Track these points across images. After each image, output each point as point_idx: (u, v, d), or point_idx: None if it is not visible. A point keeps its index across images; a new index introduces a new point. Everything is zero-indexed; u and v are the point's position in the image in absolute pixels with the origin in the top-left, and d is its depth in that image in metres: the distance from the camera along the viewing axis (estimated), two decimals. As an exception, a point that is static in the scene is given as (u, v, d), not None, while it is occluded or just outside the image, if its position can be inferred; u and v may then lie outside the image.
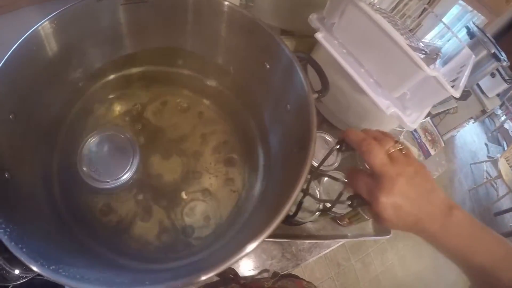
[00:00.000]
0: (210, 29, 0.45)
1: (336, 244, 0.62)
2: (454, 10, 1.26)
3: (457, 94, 0.52)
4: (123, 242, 0.43)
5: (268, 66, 0.44)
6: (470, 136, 2.80)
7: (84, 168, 0.43)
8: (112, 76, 0.48)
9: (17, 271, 0.60)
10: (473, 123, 1.96)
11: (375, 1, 0.73)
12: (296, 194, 0.32)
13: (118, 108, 0.50)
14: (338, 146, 0.36)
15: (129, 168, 0.44)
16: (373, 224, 0.65)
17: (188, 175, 0.48)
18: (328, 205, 0.51)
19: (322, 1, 0.63)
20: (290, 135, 0.41)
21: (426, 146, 0.82)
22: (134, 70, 0.49)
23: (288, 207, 0.30)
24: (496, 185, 2.52)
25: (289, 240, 0.57)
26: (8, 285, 0.57)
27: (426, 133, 0.84)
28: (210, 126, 0.52)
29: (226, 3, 0.42)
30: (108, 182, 0.43)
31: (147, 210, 0.45)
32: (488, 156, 2.66)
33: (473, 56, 0.64)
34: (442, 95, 0.54)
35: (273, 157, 0.45)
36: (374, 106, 0.57)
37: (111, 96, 0.50)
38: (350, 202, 0.34)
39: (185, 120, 0.51)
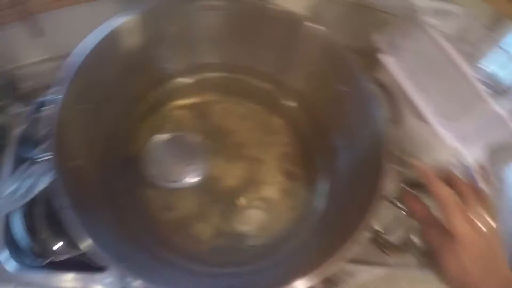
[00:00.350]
0: (289, 49, 0.46)
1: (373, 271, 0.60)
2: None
3: None
4: (178, 240, 0.44)
5: (344, 89, 0.43)
6: None
7: (150, 166, 0.45)
8: (186, 78, 0.50)
9: (58, 245, 0.63)
10: None
11: (438, 24, 0.71)
12: (365, 226, 0.31)
13: (187, 109, 0.51)
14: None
15: (197, 172, 0.45)
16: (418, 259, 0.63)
17: (248, 182, 0.49)
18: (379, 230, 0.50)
19: (388, 20, 0.62)
20: (360, 162, 0.40)
21: (477, 181, 0.78)
22: (211, 74, 0.50)
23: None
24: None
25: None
26: (48, 259, 0.60)
27: (481, 170, 0.81)
28: (275, 136, 0.52)
29: (311, 25, 0.42)
30: (174, 182, 0.44)
31: (205, 212, 0.46)
32: None
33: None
34: (506, 134, 0.52)
35: (338, 181, 0.45)
36: (432, 135, 0.56)
37: (182, 96, 0.51)
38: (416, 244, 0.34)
39: (252, 128, 0.52)
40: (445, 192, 0.34)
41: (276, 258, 0.42)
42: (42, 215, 0.65)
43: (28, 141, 0.70)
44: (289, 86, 0.51)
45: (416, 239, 0.55)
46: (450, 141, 0.55)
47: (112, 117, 0.45)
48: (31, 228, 0.62)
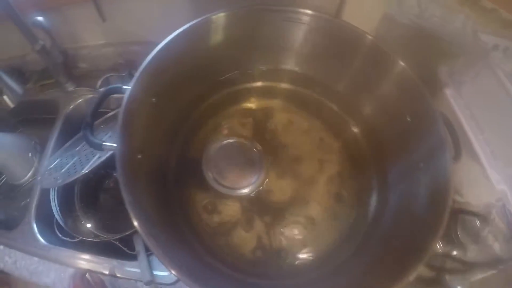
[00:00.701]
0: (366, 75, 0.45)
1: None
2: None
3: None
4: (220, 245, 0.44)
5: (409, 119, 0.42)
6: None
7: (209, 169, 0.45)
8: (256, 83, 0.50)
9: (89, 225, 0.64)
10: None
11: (504, 62, 0.68)
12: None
13: (250, 114, 0.51)
14: None
15: (253, 183, 0.45)
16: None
17: (296, 198, 0.48)
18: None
19: (453, 52, 0.61)
20: (416, 197, 0.39)
21: None
22: (281, 83, 0.50)
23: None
24: None
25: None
26: (77, 237, 0.62)
27: None
28: (331, 156, 0.51)
29: (393, 57, 0.41)
30: (227, 188, 0.44)
31: (249, 221, 0.46)
32: None
33: None
34: None
35: (385, 213, 0.44)
36: (481, 174, 0.54)
37: (246, 101, 0.51)
38: None
39: (310, 143, 0.52)
40: None
41: (313, 276, 0.42)
42: (78, 195, 0.67)
43: (78, 120, 0.72)
44: (356, 110, 0.50)
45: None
46: (499, 184, 0.53)
47: (174, 115, 0.45)
48: (66, 204, 0.64)
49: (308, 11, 0.41)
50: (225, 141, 0.46)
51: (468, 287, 0.57)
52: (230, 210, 0.46)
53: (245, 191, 0.44)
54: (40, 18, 0.56)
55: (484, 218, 0.66)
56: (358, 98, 0.48)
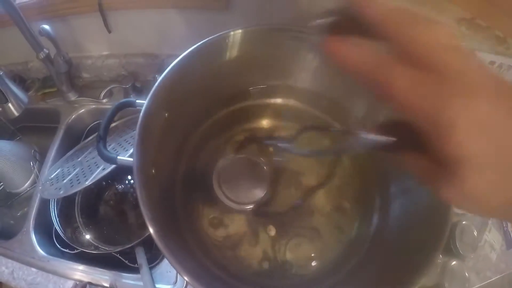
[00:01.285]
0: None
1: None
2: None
3: None
4: (226, 257, 0.44)
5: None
6: None
7: (219, 184, 0.46)
8: (263, 100, 0.51)
9: (89, 236, 0.63)
10: None
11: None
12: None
13: (256, 130, 0.52)
14: None
15: (258, 200, 0.45)
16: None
17: (300, 211, 0.49)
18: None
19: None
20: (417, 211, 0.41)
21: (511, 235, 0.78)
22: (289, 101, 0.51)
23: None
24: None
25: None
26: (77, 248, 0.61)
27: None
28: (335, 170, 0.52)
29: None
30: (239, 204, 0.45)
31: (255, 235, 0.47)
32: None
33: None
34: None
35: (390, 225, 0.45)
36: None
37: (253, 119, 0.52)
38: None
39: (310, 158, 0.53)
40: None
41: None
42: (79, 204, 0.66)
43: (80, 130, 0.72)
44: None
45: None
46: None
47: (184, 129, 0.46)
48: (66, 214, 0.63)
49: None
50: (232, 158, 0.47)
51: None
52: (236, 224, 0.47)
53: (250, 206, 0.45)
54: (46, 26, 0.56)
55: (481, 229, 0.68)
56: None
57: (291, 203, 0.49)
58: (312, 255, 0.47)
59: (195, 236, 0.44)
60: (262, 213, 0.48)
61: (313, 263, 0.46)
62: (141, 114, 0.36)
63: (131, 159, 0.35)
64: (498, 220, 0.79)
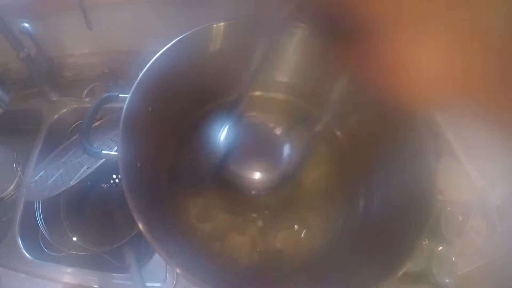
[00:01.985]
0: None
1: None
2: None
3: None
4: (215, 251, 0.44)
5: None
6: None
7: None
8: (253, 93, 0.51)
9: (76, 238, 0.62)
10: None
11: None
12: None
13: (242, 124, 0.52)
14: None
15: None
16: None
17: (288, 202, 0.49)
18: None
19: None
20: (401, 198, 0.41)
21: (495, 222, 0.80)
22: (275, 95, 0.52)
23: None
24: None
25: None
26: (64, 251, 0.60)
27: (498, 208, 0.83)
28: (319, 160, 0.53)
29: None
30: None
31: (243, 227, 0.47)
32: None
33: None
34: None
35: (376, 212, 0.46)
36: (462, 174, 0.58)
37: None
38: None
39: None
40: None
41: (309, 276, 0.43)
42: (64, 208, 0.65)
43: (63, 131, 0.71)
44: (344, 118, 0.52)
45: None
46: (478, 180, 0.57)
47: (169, 122, 0.45)
48: (51, 217, 0.62)
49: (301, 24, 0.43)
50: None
51: (455, 279, 0.60)
52: (222, 216, 0.47)
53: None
54: (26, 25, 0.55)
55: (466, 215, 0.70)
56: (345, 106, 0.50)
57: (279, 195, 0.50)
58: (302, 245, 0.47)
59: (183, 228, 0.44)
60: (250, 205, 0.48)
61: (303, 253, 0.46)
62: (124, 108, 0.36)
63: (116, 153, 0.34)
64: (483, 206, 0.80)
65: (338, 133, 0.53)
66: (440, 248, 0.57)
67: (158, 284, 0.53)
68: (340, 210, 0.48)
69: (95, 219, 0.66)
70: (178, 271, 0.30)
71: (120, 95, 0.40)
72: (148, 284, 0.53)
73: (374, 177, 0.47)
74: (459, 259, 0.73)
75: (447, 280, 0.56)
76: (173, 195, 0.46)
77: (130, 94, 0.37)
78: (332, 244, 0.46)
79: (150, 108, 0.41)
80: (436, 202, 0.40)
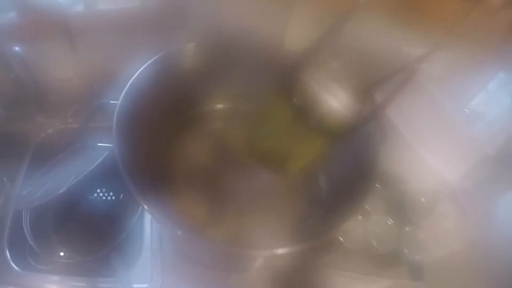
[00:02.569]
0: None
1: (371, 285, 0.64)
2: (501, 78, 1.31)
3: (492, 151, 0.58)
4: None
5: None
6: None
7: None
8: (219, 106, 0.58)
9: (63, 249, 0.64)
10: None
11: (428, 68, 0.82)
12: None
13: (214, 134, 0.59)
14: None
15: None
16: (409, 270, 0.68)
17: (258, 194, 0.54)
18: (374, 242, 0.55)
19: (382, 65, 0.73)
20: (353, 175, 0.47)
21: (464, 206, 0.85)
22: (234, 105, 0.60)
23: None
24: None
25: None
26: (52, 261, 0.61)
27: (465, 194, 0.88)
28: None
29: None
30: None
31: (217, 220, 0.51)
32: None
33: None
34: (480, 152, 0.60)
35: (333, 190, 0.51)
36: (418, 160, 0.64)
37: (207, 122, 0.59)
38: None
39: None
40: None
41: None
42: (51, 221, 0.67)
43: (48, 152, 0.74)
44: None
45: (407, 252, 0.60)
46: (433, 163, 0.63)
47: (153, 127, 0.51)
48: (39, 229, 0.64)
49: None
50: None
51: (425, 257, 0.64)
52: (199, 210, 0.52)
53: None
54: (17, 48, 0.60)
55: (431, 199, 0.75)
56: None
57: (249, 189, 0.55)
58: (275, 232, 0.51)
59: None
60: (221, 200, 0.53)
61: (273, 233, 0.50)
62: (116, 109, 0.43)
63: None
64: (449, 191, 0.86)
65: None
66: (407, 229, 0.62)
67: (145, 285, 0.56)
68: (305, 192, 0.54)
69: (82, 229, 0.68)
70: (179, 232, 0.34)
71: (111, 101, 0.46)
72: (135, 286, 0.55)
73: (330, 164, 0.53)
74: (433, 244, 0.77)
75: (417, 258, 0.60)
76: (157, 193, 0.50)
77: (119, 100, 0.43)
78: (300, 221, 0.51)
79: (135, 115, 0.47)
80: (377, 174, 0.46)
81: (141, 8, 0.69)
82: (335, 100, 0.54)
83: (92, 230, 0.67)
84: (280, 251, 0.38)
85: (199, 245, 0.46)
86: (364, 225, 0.59)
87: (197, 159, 0.56)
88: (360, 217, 0.57)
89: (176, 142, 0.56)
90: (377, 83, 0.71)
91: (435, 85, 0.72)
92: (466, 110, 0.75)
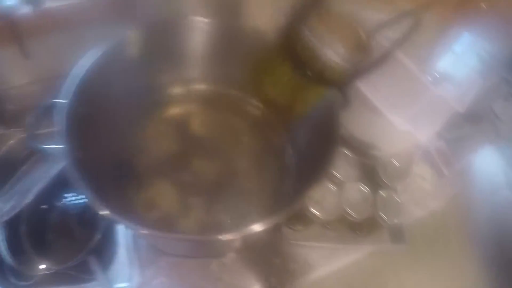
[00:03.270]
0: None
1: (352, 254, 0.64)
2: (466, 39, 1.33)
3: (462, 110, 0.58)
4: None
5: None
6: (489, 163, 2.81)
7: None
8: (174, 90, 0.58)
9: (41, 261, 0.62)
10: (489, 148, 1.98)
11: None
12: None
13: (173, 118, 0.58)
14: None
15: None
16: (389, 234, 0.68)
17: (225, 176, 0.54)
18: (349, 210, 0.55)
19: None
20: (317, 138, 0.47)
21: (440, 166, 0.86)
22: (196, 87, 0.59)
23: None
24: (520, 210, 2.49)
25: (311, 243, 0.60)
26: (30, 275, 0.59)
27: (440, 154, 0.89)
28: (245, 135, 0.58)
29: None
30: None
31: (187, 207, 0.50)
32: (508, 183, 2.62)
33: (482, 79, 0.71)
34: (448, 111, 0.61)
35: (302, 157, 0.51)
36: (387, 125, 0.64)
37: (169, 107, 0.57)
38: None
39: (226, 130, 0.58)
40: None
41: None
42: (26, 235, 0.65)
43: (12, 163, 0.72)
44: (260, 92, 0.58)
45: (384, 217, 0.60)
46: (403, 126, 0.62)
47: (109, 122, 0.49)
48: (14, 245, 0.62)
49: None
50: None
51: (404, 220, 0.65)
52: (167, 202, 0.51)
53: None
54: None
55: (406, 162, 0.76)
56: (262, 82, 0.57)
57: (216, 171, 0.54)
58: (244, 211, 0.51)
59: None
60: (191, 186, 0.52)
61: (246, 212, 0.50)
62: (65, 111, 0.42)
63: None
64: (425, 153, 0.86)
65: (261, 105, 0.59)
66: (382, 193, 0.62)
67: (125, 284, 0.55)
68: (273, 167, 0.53)
69: (57, 238, 0.66)
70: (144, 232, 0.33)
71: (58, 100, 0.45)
72: (116, 286, 0.55)
73: (295, 133, 0.53)
74: (411, 205, 0.78)
75: (396, 221, 0.60)
76: (118, 188, 0.49)
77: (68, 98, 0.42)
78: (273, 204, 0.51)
79: (84, 111, 0.45)
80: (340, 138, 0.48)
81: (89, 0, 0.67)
82: (333, 53, 0.56)
83: (67, 237, 0.66)
84: (255, 228, 0.37)
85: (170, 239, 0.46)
86: (338, 194, 0.58)
87: (160, 148, 0.55)
88: (332, 187, 0.56)
89: (136, 134, 0.55)
90: (374, 32, 0.71)
91: (400, 49, 0.72)
92: (433, 72, 0.75)
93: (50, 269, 0.62)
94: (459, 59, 0.84)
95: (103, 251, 0.61)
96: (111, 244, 0.59)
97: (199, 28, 0.53)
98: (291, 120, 0.54)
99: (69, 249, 0.63)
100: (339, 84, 0.58)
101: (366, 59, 0.61)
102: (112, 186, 0.49)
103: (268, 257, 0.57)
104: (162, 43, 0.50)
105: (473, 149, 1.60)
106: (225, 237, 0.36)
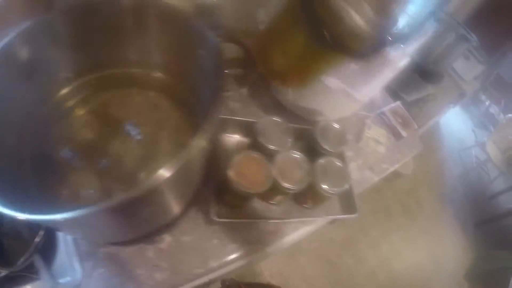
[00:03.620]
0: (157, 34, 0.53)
1: (305, 227, 0.63)
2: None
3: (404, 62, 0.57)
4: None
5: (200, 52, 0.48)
6: (457, 123, 2.84)
7: None
8: (74, 83, 0.54)
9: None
10: (453, 107, 1.95)
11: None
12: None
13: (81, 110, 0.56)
14: None
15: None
16: (340, 204, 0.66)
17: (146, 158, 0.53)
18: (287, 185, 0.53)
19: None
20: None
21: (397, 128, 0.84)
22: (92, 75, 0.55)
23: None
24: (487, 168, 2.48)
25: (249, 221, 0.59)
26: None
27: (396, 116, 0.86)
28: (160, 111, 0.58)
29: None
30: None
31: (109, 194, 0.49)
32: (476, 141, 2.62)
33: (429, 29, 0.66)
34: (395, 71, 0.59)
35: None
36: (328, 88, 0.60)
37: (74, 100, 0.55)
38: None
39: (138, 109, 0.57)
40: None
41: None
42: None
43: None
44: (158, 65, 0.57)
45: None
46: (336, 85, 0.59)
47: (20, 119, 0.47)
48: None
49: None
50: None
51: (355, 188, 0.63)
52: (91, 191, 0.50)
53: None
54: None
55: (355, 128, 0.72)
56: (159, 52, 0.55)
57: (137, 154, 0.53)
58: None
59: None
60: (112, 172, 0.50)
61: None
62: None
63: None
64: (379, 118, 0.83)
65: (163, 76, 0.59)
66: (321, 160, 0.57)
67: (68, 279, 0.55)
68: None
69: (9, 242, 0.66)
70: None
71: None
72: (60, 280, 0.55)
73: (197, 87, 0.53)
74: (366, 170, 0.76)
75: (346, 186, 0.57)
76: (40, 179, 0.47)
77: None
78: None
79: None
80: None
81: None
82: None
83: (17, 239, 0.65)
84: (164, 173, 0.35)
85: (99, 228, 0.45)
86: (269, 165, 0.53)
87: (77, 135, 0.54)
88: (266, 162, 0.53)
89: (53, 124, 0.52)
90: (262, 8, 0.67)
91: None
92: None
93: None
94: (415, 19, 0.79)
95: (46, 248, 0.60)
96: (53, 240, 0.58)
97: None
98: (195, 81, 0.53)
99: (18, 251, 0.63)
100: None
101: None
102: (33, 183, 0.48)
103: (206, 240, 0.56)
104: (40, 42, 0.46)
105: (437, 109, 1.57)
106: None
